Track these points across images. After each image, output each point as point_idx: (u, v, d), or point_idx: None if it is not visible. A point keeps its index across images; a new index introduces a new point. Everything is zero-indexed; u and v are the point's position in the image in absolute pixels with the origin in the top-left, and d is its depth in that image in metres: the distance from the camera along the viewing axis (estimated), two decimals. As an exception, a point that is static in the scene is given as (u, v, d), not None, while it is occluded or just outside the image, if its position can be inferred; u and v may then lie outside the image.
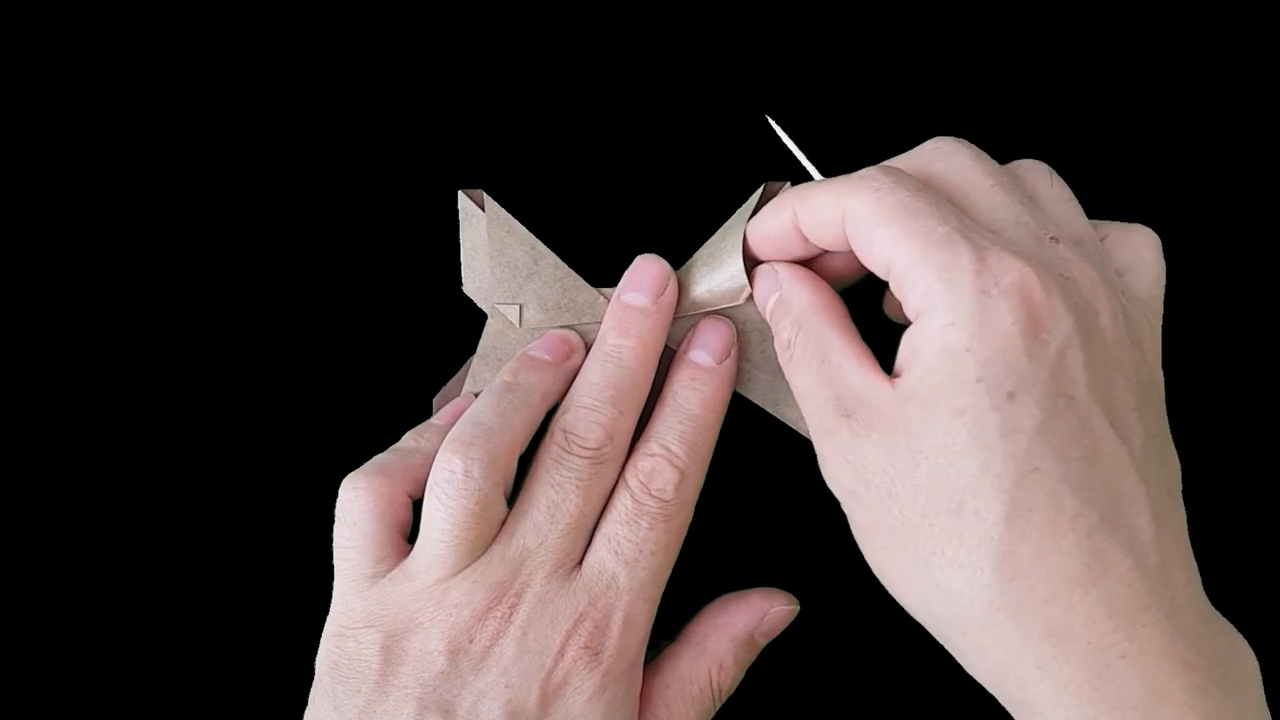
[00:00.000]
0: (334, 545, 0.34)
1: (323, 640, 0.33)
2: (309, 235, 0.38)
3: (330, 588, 0.34)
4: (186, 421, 0.39)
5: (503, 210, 0.36)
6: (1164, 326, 0.32)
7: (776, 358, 0.36)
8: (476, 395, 0.36)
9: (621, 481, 0.34)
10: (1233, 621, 0.30)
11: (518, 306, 0.36)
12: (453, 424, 0.35)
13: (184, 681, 0.39)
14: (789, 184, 0.36)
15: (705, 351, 0.35)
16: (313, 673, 0.33)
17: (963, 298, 0.28)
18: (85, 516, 0.39)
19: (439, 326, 0.38)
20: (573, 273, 0.36)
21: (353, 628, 0.32)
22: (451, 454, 0.32)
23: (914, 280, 0.29)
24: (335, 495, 0.34)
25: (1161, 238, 0.33)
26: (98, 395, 0.39)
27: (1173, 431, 0.31)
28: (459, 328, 0.37)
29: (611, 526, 0.33)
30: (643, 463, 0.33)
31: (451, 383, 0.37)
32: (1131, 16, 0.38)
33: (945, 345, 0.28)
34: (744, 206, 0.36)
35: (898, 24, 0.38)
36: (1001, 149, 0.38)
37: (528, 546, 0.32)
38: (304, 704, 0.33)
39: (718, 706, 0.35)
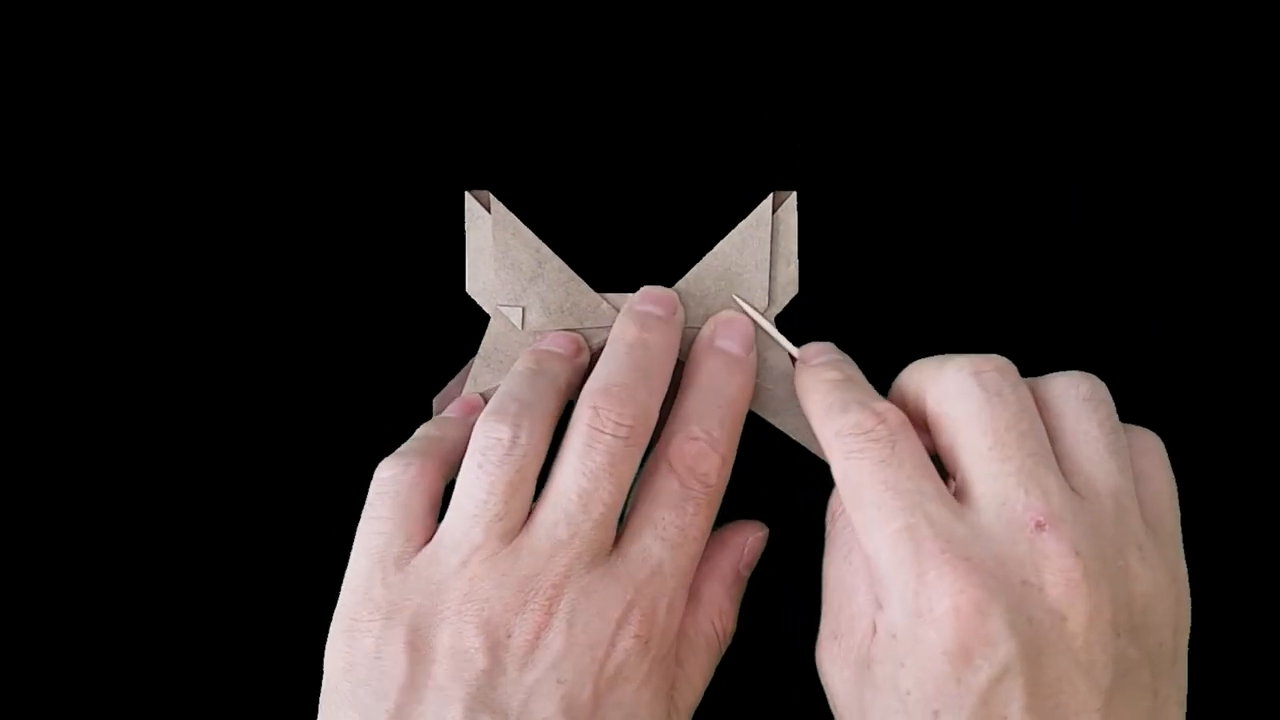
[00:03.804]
0: (363, 522, 0.32)
1: (331, 640, 0.31)
2: (311, 236, 0.38)
3: (331, 588, 0.33)
4: (187, 421, 0.38)
5: (509, 212, 0.36)
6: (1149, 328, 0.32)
7: (776, 367, 0.36)
8: (480, 395, 0.36)
9: (666, 465, 0.33)
10: (1234, 623, 0.31)
11: (521, 309, 0.36)
12: (464, 418, 0.35)
13: (180, 684, 0.38)
14: (795, 194, 0.36)
15: (734, 341, 0.35)
16: (312, 675, 0.32)
17: (901, 615, 0.29)
18: (86, 517, 0.38)
19: (441, 328, 0.37)
20: (576, 277, 0.36)
21: (368, 620, 0.31)
22: (497, 422, 0.32)
23: (874, 571, 0.30)
24: (336, 493, 0.34)
25: (1161, 237, 0.33)
26: (99, 395, 0.38)
27: (1181, 427, 0.31)
28: (460, 329, 0.37)
29: (656, 511, 0.32)
30: (688, 446, 0.32)
31: (452, 384, 0.37)
32: (1132, 20, 0.38)
33: (888, 651, 0.29)
34: (754, 216, 0.36)
35: (901, 27, 0.38)
36: (1001, 156, 0.38)
37: (559, 538, 0.31)
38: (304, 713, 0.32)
39: (725, 648, 0.35)
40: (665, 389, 0.34)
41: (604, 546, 0.31)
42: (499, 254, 0.36)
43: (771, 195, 0.36)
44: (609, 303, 0.36)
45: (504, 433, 0.31)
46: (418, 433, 0.35)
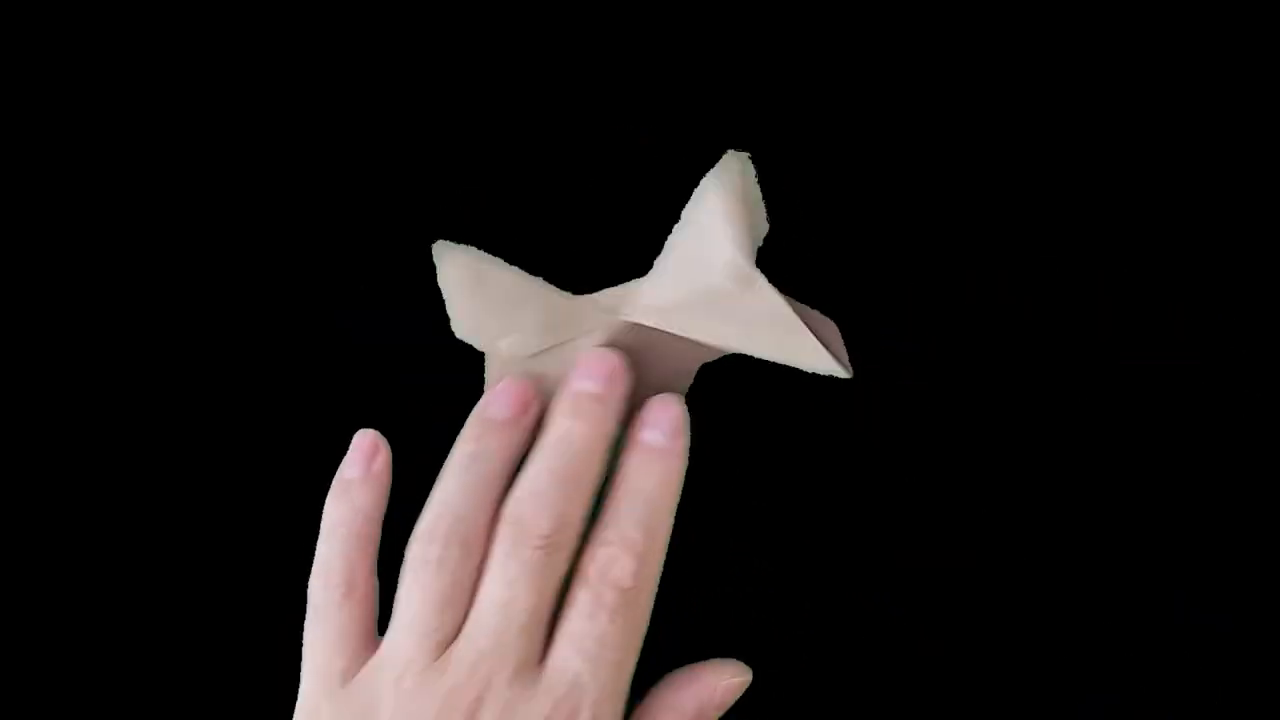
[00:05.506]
0: (305, 641, 0.34)
1: None
2: (318, 241, 0.38)
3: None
4: (189, 425, 0.39)
5: (474, 250, 0.36)
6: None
7: (770, 306, 0.33)
8: None
9: (578, 574, 0.33)
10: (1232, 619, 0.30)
11: (513, 337, 0.36)
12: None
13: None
14: (743, 153, 0.35)
15: (656, 430, 0.34)
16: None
17: None
18: (84, 524, 0.39)
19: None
20: (555, 290, 0.36)
21: None
22: (427, 542, 0.33)
23: None
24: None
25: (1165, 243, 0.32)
26: (99, 400, 0.38)
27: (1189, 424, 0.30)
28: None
29: (572, 623, 0.32)
30: (600, 552, 0.32)
31: None
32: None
33: None
34: (706, 180, 0.34)
35: (893, 32, 0.38)
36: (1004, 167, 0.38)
37: (482, 649, 0.32)
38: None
39: None
40: (595, 483, 0.33)
41: (529, 657, 0.32)
42: (476, 292, 0.35)
43: (726, 154, 0.35)
44: (596, 304, 0.35)
45: (432, 553, 0.32)
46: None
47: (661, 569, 0.33)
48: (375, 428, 0.36)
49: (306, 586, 0.37)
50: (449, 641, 0.32)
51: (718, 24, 0.38)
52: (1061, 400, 0.37)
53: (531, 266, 0.37)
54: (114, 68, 0.38)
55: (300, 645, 0.34)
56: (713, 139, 0.38)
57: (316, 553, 0.34)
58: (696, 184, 0.37)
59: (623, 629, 0.32)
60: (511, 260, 0.37)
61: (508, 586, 0.32)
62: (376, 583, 0.34)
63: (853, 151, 0.37)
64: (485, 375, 0.36)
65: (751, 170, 0.35)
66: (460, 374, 0.37)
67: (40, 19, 0.38)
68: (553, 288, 0.36)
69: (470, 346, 0.38)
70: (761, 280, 0.34)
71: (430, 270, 0.38)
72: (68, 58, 0.38)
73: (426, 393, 0.38)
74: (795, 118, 0.38)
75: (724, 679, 0.34)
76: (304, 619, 0.36)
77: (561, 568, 0.32)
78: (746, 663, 0.35)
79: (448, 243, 0.36)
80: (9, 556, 0.39)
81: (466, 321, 0.36)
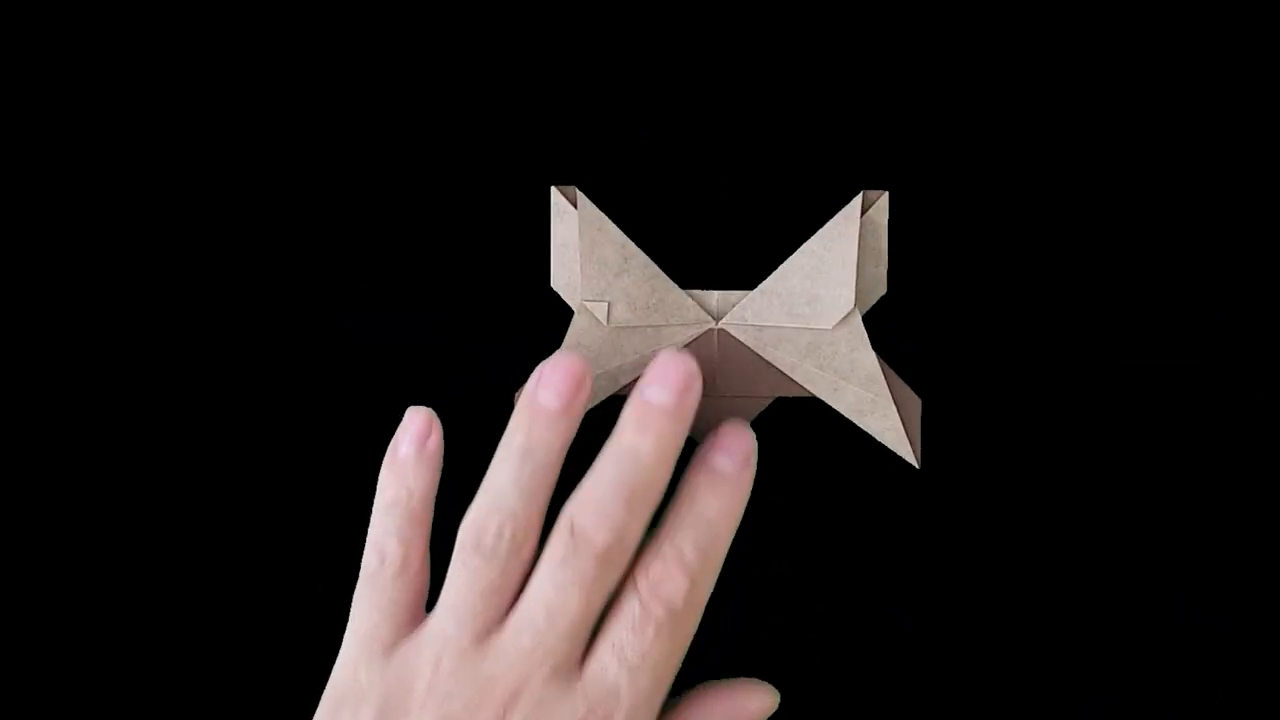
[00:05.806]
0: (355, 605, 0.34)
1: (319, 709, 0.33)
2: (317, 237, 0.38)
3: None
4: (189, 425, 0.38)
5: (595, 208, 0.36)
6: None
7: (867, 367, 0.36)
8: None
9: (630, 584, 0.33)
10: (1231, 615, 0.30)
11: (606, 304, 0.36)
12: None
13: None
14: (886, 194, 0.36)
15: (727, 457, 0.34)
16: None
17: None
18: (89, 532, 0.38)
19: (519, 323, 0.37)
20: (662, 273, 0.36)
21: (350, 698, 0.32)
22: (479, 532, 0.32)
23: None
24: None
25: (1161, 243, 0.32)
26: (93, 396, 0.38)
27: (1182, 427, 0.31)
28: (540, 324, 0.37)
29: (617, 632, 0.32)
30: (655, 566, 0.32)
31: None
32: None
33: None
34: (842, 215, 0.36)
35: (892, 32, 0.37)
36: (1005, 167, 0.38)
37: (523, 646, 0.32)
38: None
39: None
40: (657, 498, 0.33)
41: (569, 659, 0.32)
42: (585, 249, 0.36)
43: (862, 194, 0.36)
44: (695, 300, 0.36)
45: (484, 543, 0.32)
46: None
47: (711, 591, 0.33)
48: (375, 428, 0.36)
49: (303, 586, 0.37)
50: (492, 626, 0.32)
51: (718, 24, 0.38)
52: (1062, 400, 0.37)
53: (530, 266, 0.37)
54: (114, 67, 0.38)
55: (293, 638, 0.35)
56: (712, 139, 0.38)
57: (371, 524, 0.34)
58: (695, 184, 0.37)
59: (666, 645, 0.32)
60: (509, 261, 0.38)
61: (558, 590, 0.32)
62: (429, 561, 0.34)
63: (852, 151, 0.37)
64: (567, 334, 0.36)
65: (885, 211, 0.36)
66: (460, 374, 0.37)
67: (40, 19, 0.38)
68: (659, 270, 0.36)
69: (468, 346, 0.38)
70: (865, 342, 0.36)
71: (430, 271, 0.38)
72: (68, 57, 0.38)
73: (427, 393, 0.38)
74: (795, 117, 0.38)
75: (755, 701, 0.35)
76: (303, 617, 0.37)
77: (615, 579, 0.32)
78: (755, 664, 0.36)
79: (577, 190, 0.36)
80: (12, 556, 0.39)
81: (568, 274, 0.36)
